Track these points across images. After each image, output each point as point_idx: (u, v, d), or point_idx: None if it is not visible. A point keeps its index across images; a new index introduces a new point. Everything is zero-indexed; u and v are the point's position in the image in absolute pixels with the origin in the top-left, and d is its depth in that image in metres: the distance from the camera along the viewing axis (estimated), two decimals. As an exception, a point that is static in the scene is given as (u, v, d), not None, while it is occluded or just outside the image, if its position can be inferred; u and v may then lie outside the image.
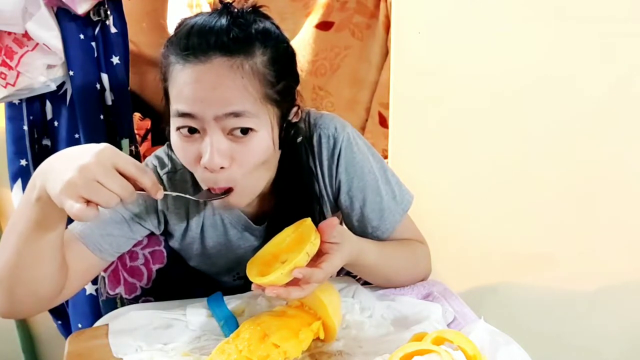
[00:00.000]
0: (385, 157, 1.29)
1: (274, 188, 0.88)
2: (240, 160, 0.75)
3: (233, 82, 0.72)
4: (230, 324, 0.80)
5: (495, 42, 1.11)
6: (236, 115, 0.72)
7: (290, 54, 0.82)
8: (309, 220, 0.74)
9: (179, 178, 0.90)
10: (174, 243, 0.95)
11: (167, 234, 0.95)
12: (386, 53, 1.67)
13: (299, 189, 0.89)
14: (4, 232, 0.74)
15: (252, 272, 0.73)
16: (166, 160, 0.91)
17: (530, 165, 1.18)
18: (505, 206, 1.22)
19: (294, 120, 0.83)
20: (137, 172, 0.65)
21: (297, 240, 0.73)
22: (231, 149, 0.74)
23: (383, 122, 1.70)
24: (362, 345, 0.77)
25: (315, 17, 1.76)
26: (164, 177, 0.89)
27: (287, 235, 0.76)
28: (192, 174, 0.87)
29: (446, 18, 1.11)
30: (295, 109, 0.83)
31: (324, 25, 1.73)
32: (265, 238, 0.93)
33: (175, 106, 0.74)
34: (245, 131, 0.74)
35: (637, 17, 1.06)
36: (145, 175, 0.66)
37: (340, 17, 1.72)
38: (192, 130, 0.75)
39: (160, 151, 0.93)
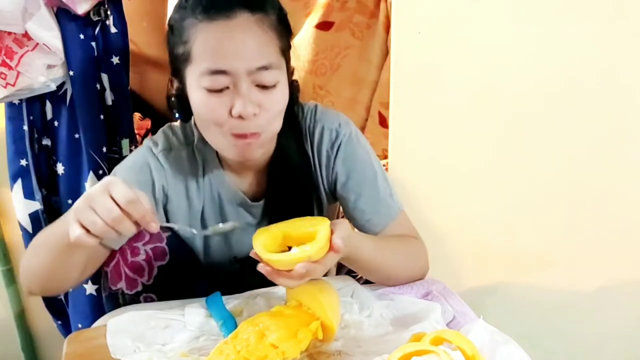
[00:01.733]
0: (385, 157, 1.29)
1: (270, 168, 0.94)
2: (267, 108, 0.81)
3: (260, 35, 0.79)
4: (228, 324, 0.80)
5: (495, 42, 1.11)
6: (266, 68, 0.79)
7: (286, 15, 0.88)
8: (328, 224, 0.74)
9: (174, 155, 0.93)
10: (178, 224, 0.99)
11: (169, 213, 0.96)
12: (386, 53, 1.67)
13: (294, 171, 0.93)
14: (39, 237, 0.86)
15: (259, 240, 0.74)
16: (161, 139, 0.95)
17: (530, 165, 1.18)
18: (505, 206, 1.22)
19: (291, 78, 0.89)
20: (126, 203, 0.67)
21: (310, 235, 0.73)
22: (260, 99, 0.80)
23: (383, 122, 1.70)
24: (361, 345, 0.77)
25: (315, 17, 1.76)
26: (160, 155, 0.93)
27: (303, 224, 0.77)
28: (187, 151, 0.94)
29: (446, 18, 1.11)
30: (292, 68, 0.89)
31: (324, 25, 1.73)
32: (262, 217, 0.98)
33: (205, 64, 0.78)
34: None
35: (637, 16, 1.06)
36: (133, 206, 0.68)
37: (340, 17, 1.72)
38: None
39: (159, 132, 0.97)
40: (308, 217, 0.78)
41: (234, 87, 0.79)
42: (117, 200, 0.67)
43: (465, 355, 0.65)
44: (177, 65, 0.84)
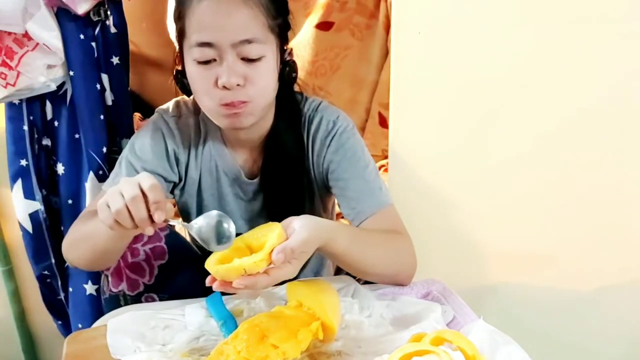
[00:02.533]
0: (385, 157, 1.29)
1: (265, 147, 1.00)
2: (252, 80, 0.86)
3: (246, 11, 0.84)
4: (229, 324, 0.80)
5: (496, 42, 1.11)
6: (249, 42, 0.84)
7: None
8: (276, 234, 0.72)
9: (183, 122, 1.01)
10: (178, 195, 1.05)
11: (181, 174, 1.03)
12: (386, 53, 1.68)
13: (287, 152, 0.99)
14: (83, 214, 0.93)
15: (216, 254, 0.74)
16: (172, 106, 1.02)
17: (530, 164, 1.18)
18: (506, 206, 1.22)
19: (288, 58, 0.96)
20: (149, 186, 0.71)
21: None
22: (245, 71, 0.86)
23: (383, 122, 1.71)
24: (361, 345, 0.77)
25: (315, 17, 1.76)
26: (170, 121, 1.00)
27: (261, 233, 0.76)
28: (194, 120, 1.01)
29: (446, 18, 1.11)
30: (289, 49, 0.95)
31: (324, 26, 1.73)
32: (253, 196, 1.04)
33: (194, 37, 0.85)
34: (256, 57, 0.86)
35: (636, 17, 1.06)
36: (153, 190, 0.71)
37: (340, 17, 1.72)
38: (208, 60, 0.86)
39: (171, 101, 1.04)
40: (270, 224, 0.76)
41: (219, 59, 0.85)
42: (141, 183, 0.71)
43: (466, 355, 0.65)
44: (180, 36, 0.91)
